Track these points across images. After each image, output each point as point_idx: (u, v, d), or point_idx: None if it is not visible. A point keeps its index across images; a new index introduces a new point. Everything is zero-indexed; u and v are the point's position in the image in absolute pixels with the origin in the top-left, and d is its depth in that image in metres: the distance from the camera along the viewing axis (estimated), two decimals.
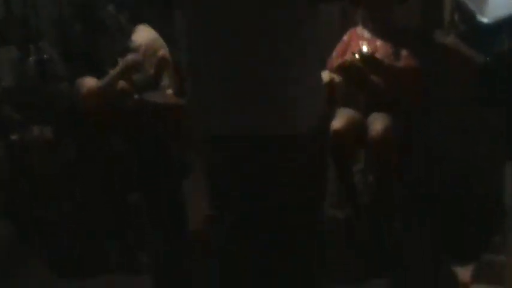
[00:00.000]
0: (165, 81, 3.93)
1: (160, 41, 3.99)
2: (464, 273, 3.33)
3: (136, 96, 3.81)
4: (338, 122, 3.57)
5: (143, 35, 3.98)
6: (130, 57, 3.84)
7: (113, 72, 3.82)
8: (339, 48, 3.90)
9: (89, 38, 4.01)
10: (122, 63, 3.83)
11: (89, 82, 3.78)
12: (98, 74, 3.87)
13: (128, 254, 3.72)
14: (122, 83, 3.80)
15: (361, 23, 3.88)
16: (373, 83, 3.67)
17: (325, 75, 3.58)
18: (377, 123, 3.54)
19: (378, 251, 3.41)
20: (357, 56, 3.62)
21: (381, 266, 3.36)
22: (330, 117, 3.57)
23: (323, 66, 3.70)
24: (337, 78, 3.65)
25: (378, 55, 3.68)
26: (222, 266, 2.96)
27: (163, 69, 3.91)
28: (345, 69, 3.69)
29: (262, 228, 2.95)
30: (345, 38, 3.91)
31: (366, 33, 3.84)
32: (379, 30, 3.81)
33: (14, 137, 4.03)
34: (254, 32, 2.42)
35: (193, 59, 2.58)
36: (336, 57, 3.85)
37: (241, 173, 2.69)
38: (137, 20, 4.04)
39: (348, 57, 3.73)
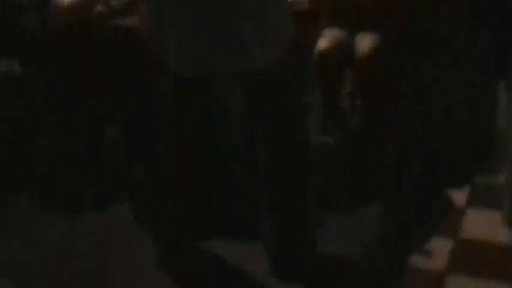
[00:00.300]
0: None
1: None
2: (459, 197, 3.19)
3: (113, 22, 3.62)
4: (323, 42, 3.37)
5: None
6: None
7: None
8: None
9: None
10: None
11: None
12: None
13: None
14: (100, 7, 3.60)
15: None
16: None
17: None
18: (365, 42, 3.35)
19: (368, 176, 3.24)
20: None
21: (373, 192, 3.20)
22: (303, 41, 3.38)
23: None
24: None
25: None
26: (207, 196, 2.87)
27: None
28: None
29: (251, 162, 2.87)
30: None
31: None
32: None
33: None
34: None
35: None
36: None
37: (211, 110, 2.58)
38: None
39: None
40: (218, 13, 2.27)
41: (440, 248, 2.83)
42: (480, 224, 2.99)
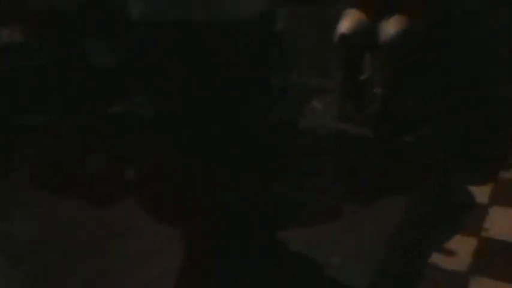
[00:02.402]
0: None
1: None
2: (481, 194, 3.01)
3: None
4: (345, 24, 3.20)
5: None
6: None
7: None
8: None
9: None
10: None
11: None
12: None
13: None
14: None
15: None
16: None
17: None
18: (390, 26, 3.16)
19: (387, 167, 3.06)
20: None
21: (392, 185, 3.01)
22: None
23: None
24: None
25: None
26: None
27: None
28: None
29: None
30: None
31: None
32: None
33: None
34: None
35: None
36: None
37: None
38: None
39: None
40: None
41: (463, 247, 2.66)
42: (504, 223, 2.82)
